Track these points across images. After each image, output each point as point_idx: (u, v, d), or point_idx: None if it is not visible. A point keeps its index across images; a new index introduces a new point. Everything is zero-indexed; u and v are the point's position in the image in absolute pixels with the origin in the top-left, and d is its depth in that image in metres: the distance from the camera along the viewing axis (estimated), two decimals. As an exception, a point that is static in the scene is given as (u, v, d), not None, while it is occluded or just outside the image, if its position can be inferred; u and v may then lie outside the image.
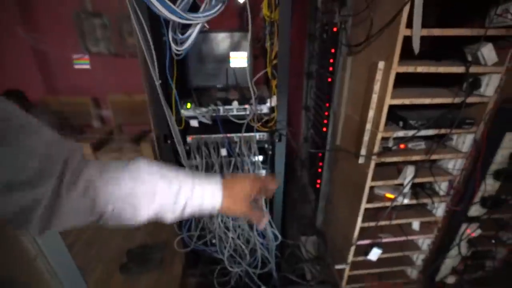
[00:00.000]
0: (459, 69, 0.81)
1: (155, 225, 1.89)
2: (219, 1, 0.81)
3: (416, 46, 0.73)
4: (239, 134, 1.11)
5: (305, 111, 1.87)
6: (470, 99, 0.86)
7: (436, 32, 0.76)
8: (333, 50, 1.31)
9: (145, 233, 1.86)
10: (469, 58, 0.85)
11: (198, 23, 0.82)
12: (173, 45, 0.89)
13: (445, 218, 1.11)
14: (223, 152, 1.15)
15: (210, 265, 1.41)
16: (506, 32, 0.76)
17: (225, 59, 1.19)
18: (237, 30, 1.18)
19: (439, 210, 1.11)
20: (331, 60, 1.32)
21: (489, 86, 0.85)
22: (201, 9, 0.82)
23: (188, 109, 1.08)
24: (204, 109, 1.09)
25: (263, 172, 1.21)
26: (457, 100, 0.85)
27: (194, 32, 0.83)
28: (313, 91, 1.68)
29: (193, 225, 1.28)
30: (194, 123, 1.10)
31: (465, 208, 1.01)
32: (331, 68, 1.33)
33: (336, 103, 1.22)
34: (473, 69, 0.82)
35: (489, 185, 0.94)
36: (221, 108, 1.10)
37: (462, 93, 0.86)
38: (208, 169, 1.16)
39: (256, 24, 1.14)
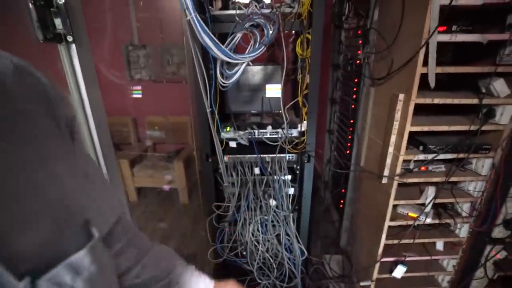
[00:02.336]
0: (473, 101, 0.92)
1: (185, 236, 2.02)
2: (262, 44, 0.99)
3: (432, 82, 0.85)
4: (272, 155, 1.25)
5: (329, 134, 1.99)
6: (486, 127, 0.95)
7: (450, 69, 0.87)
8: (356, 80, 1.45)
9: (174, 245, 1.98)
10: (483, 90, 0.95)
11: (244, 62, 0.99)
12: (220, 79, 1.06)
13: (469, 239, 1.15)
14: (257, 170, 1.29)
15: (239, 277, 1.49)
16: (515, 69, 0.87)
17: (260, 88, 1.35)
18: (270, 63, 1.36)
19: (463, 230, 1.16)
20: (355, 89, 1.46)
21: (504, 116, 0.93)
22: (247, 51, 1.00)
23: (228, 132, 1.24)
24: (241, 132, 1.24)
25: (291, 190, 1.33)
26: (473, 127, 0.94)
27: (240, 69, 1.01)
28: (336, 115, 1.81)
29: (226, 237, 1.39)
30: (232, 144, 1.25)
31: (489, 229, 1.06)
32: (354, 96, 1.46)
33: (360, 128, 1.33)
34: (486, 100, 0.92)
35: (510, 207, 1.00)
36: (256, 131, 1.25)
37: (478, 120, 0.96)
38: (243, 185, 1.29)
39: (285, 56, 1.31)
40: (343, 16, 1.51)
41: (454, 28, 0.86)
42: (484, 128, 0.94)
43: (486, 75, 0.91)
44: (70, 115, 0.32)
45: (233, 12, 1.06)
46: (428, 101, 0.91)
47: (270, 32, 1.00)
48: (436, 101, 0.91)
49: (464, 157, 0.98)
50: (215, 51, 0.91)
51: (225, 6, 1.36)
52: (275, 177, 1.28)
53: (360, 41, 1.33)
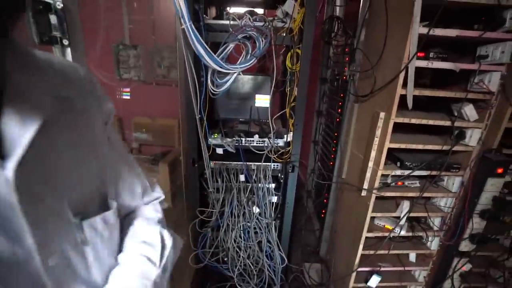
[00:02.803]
0: (446, 123, 0.99)
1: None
2: (253, 56, 1.02)
3: (409, 103, 0.91)
4: (257, 163, 1.28)
5: (314, 145, 2.04)
6: (457, 148, 1.03)
7: (426, 92, 0.94)
8: (342, 95, 1.52)
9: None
10: (455, 113, 1.02)
11: (235, 72, 1.02)
12: (211, 86, 1.09)
13: (439, 251, 1.22)
14: (242, 178, 1.31)
15: (219, 283, 1.49)
16: (483, 97, 0.95)
17: (249, 97, 1.38)
18: (260, 74, 1.40)
19: (434, 243, 1.22)
20: (340, 103, 1.52)
21: (472, 138, 1.01)
22: (238, 62, 1.03)
23: (215, 138, 1.26)
24: (229, 139, 1.26)
25: (275, 198, 1.36)
26: (445, 147, 1.01)
27: (231, 79, 1.04)
28: (322, 127, 1.87)
29: (208, 243, 1.39)
30: (219, 150, 1.27)
31: (456, 243, 1.13)
32: (339, 110, 1.53)
33: (343, 141, 1.39)
34: (458, 123, 1.00)
35: (476, 223, 1.07)
36: (243, 139, 1.28)
37: (450, 141, 1.03)
38: (227, 192, 1.30)
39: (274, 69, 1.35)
40: (332, 33, 1.58)
41: (431, 54, 0.94)
42: (455, 148, 1.02)
43: (459, 99, 0.99)
44: (110, 110, 0.46)
45: (227, 22, 1.09)
46: (406, 120, 0.97)
47: (262, 45, 1.04)
48: (413, 121, 0.98)
49: (436, 174, 1.05)
50: (208, 60, 0.93)
51: (219, 16, 1.39)
52: (259, 185, 1.31)
53: (347, 59, 1.40)
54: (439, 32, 0.86)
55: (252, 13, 1.14)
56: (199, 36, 0.88)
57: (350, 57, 1.30)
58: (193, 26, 0.86)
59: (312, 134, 2.07)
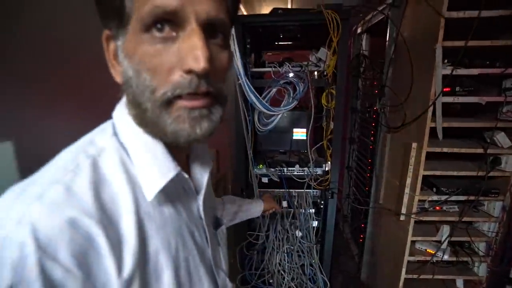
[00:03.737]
0: (478, 150, 1.06)
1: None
2: (295, 99, 1.20)
3: (440, 135, 1.01)
4: (299, 190, 1.41)
5: (347, 170, 2.13)
6: (494, 173, 1.08)
7: (455, 124, 1.04)
8: (373, 124, 1.63)
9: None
10: (488, 140, 1.09)
11: (280, 114, 1.20)
12: (258, 125, 1.27)
13: (487, 278, 1.22)
14: (284, 204, 1.44)
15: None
16: (513, 125, 1.02)
17: (288, 130, 1.55)
18: (297, 109, 1.57)
19: (481, 269, 1.22)
20: (372, 132, 1.63)
21: (508, 164, 1.07)
22: (282, 104, 1.21)
23: (260, 169, 1.43)
24: (272, 169, 1.42)
25: (315, 223, 1.46)
26: (480, 173, 1.07)
27: (276, 119, 1.22)
28: (355, 154, 1.96)
29: (254, 265, 1.51)
30: (264, 179, 1.43)
31: (506, 269, 1.13)
32: (372, 138, 1.63)
33: (378, 168, 1.48)
34: (492, 150, 1.06)
35: (523, 248, 1.08)
36: (285, 169, 1.42)
37: (485, 166, 1.09)
38: (272, 217, 1.44)
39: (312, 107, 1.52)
40: (360, 67, 1.74)
41: (457, 89, 1.04)
42: (492, 174, 1.07)
43: (490, 128, 1.06)
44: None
45: (269, 69, 1.30)
46: (438, 150, 1.06)
47: (301, 88, 1.22)
48: (445, 150, 1.06)
49: (474, 199, 1.10)
50: (258, 105, 1.13)
51: (259, 64, 1.61)
52: (301, 210, 1.43)
53: (376, 91, 1.53)
54: (461, 71, 0.98)
55: (290, 60, 1.34)
56: (252, 88, 1.08)
57: (379, 92, 1.43)
58: (248, 81, 1.06)
59: (346, 161, 2.16)
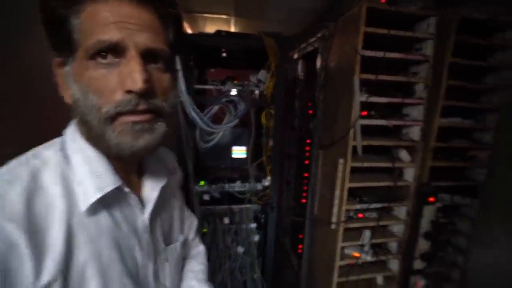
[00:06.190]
0: (388, 164, 1.27)
1: None
2: (236, 117, 1.24)
3: (359, 152, 1.18)
4: (240, 206, 1.43)
5: (286, 184, 2.25)
6: (401, 183, 1.30)
7: (372, 142, 1.23)
8: (308, 141, 1.79)
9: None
10: (395, 156, 1.32)
11: (221, 131, 1.23)
12: (200, 143, 1.27)
13: (399, 272, 1.43)
14: (226, 220, 1.44)
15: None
16: (411, 143, 1.26)
17: (229, 147, 1.58)
18: (239, 126, 1.62)
19: (395, 266, 1.43)
20: (307, 148, 1.79)
21: (409, 175, 1.30)
22: (223, 122, 1.24)
23: (202, 186, 1.40)
24: (214, 186, 1.41)
25: (256, 237, 1.49)
26: (392, 183, 1.28)
27: (218, 136, 1.23)
28: (293, 169, 2.10)
29: None
30: (206, 197, 1.41)
31: (410, 263, 1.35)
32: (307, 154, 1.78)
33: (313, 182, 1.62)
34: (398, 164, 1.28)
35: (423, 244, 1.31)
36: (227, 185, 1.44)
37: (394, 178, 1.31)
38: (214, 234, 1.42)
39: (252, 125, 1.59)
40: (296, 90, 1.91)
41: (372, 113, 1.24)
42: (399, 184, 1.29)
43: (395, 146, 1.29)
44: (181, 174, 0.71)
45: (211, 87, 1.32)
46: (359, 164, 1.23)
47: (242, 107, 1.27)
48: (366, 164, 1.24)
49: (387, 206, 1.30)
50: (199, 122, 1.13)
51: (202, 81, 1.62)
52: (243, 225, 1.45)
53: (310, 111, 1.70)
54: (374, 99, 1.18)
55: (232, 79, 1.40)
56: (193, 104, 1.08)
57: (312, 113, 1.59)
58: (190, 99, 1.06)
59: (284, 175, 2.29)
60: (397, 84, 1.25)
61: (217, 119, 1.31)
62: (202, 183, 1.41)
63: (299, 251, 1.94)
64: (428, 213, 1.27)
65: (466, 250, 1.42)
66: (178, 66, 1.01)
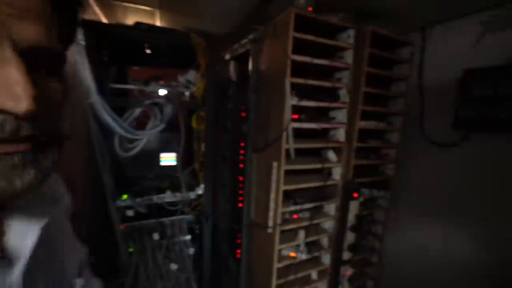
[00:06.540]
0: (317, 166, 1.33)
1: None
2: (163, 121, 1.11)
3: (292, 155, 1.20)
4: (171, 218, 1.30)
5: (222, 189, 2.18)
6: (330, 182, 1.38)
7: (303, 145, 1.26)
8: (242, 144, 1.75)
9: None
10: (324, 157, 1.40)
11: (144, 138, 1.08)
12: (120, 151, 1.09)
13: (331, 265, 1.53)
14: (156, 236, 1.29)
15: None
16: (338, 145, 1.35)
17: (157, 154, 1.42)
18: (167, 131, 1.47)
19: (327, 260, 1.52)
20: (242, 151, 1.75)
21: (337, 174, 1.40)
22: (147, 128, 1.09)
23: (124, 200, 1.22)
24: (139, 199, 1.24)
25: (191, 250, 1.38)
26: (323, 183, 1.35)
27: (141, 144, 1.08)
28: (228, 172, 2.05)
29: None
30: (129, 213, 1.23)
31: (340, 254, 1.45)
32: (242, 157, 1.75)
33: (248, 185, 1.59)
34: (327, 165, 1.36)
35: (350, 236, 1.43)
36: (155, 197, 1.28)
37: (324, 177, 1.38)
38: (142, 253, 1.24)
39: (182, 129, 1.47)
40: (228, 91, 1.85)
41: (302, 117, 1.28)
42: (328, 183, 1.37)
43: (324, 147, 1.36)
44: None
45: (132, 87, 1.15)
46: (292, 167, 1.25)
47: (169, 110, 1.15)
48: (298, 167, 1.27)
49: (318, 204, 1.36)
50: (116, 128, 0.96)
51: (122, 80, 1.42)
52: (175, 239, 1.32)
53: (243, 114, 1.67)
54: (304, 103, 1.21)
55: (158, 79, 1.25)
56: (108, 107, 0.91)
57: (246, 115, 1.56)
58: (101, 100, 0.89)
59: (219, 179, 2.21)
60: (324, 89, 1.32)
61: (141, 124, 1.15)
62: (124, 196, 1.22)
63: (238, 255, 1.90)
64: (353, 207, 1.38)
65: (381, 236, 1.62)
66: (84, 59, 0.83)
